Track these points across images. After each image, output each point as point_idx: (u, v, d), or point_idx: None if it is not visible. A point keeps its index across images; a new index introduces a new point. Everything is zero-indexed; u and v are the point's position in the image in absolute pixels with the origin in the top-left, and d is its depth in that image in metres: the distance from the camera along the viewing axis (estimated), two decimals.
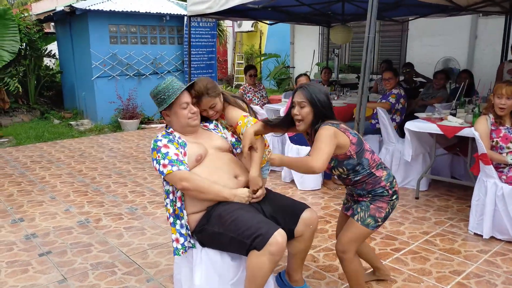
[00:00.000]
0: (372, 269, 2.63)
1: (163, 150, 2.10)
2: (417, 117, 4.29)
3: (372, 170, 2.11)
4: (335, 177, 2.31)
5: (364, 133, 4.82)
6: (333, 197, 4.22)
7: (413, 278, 2.66)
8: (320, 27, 9.25)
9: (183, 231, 2.13)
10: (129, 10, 8.02)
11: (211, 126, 2.47)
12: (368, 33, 3.69)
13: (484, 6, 5.30)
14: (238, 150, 2.45)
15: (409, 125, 4.01)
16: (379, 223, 2.15)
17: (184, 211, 2.14)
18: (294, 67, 10.73)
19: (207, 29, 9.25)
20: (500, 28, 6.02)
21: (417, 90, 6.48)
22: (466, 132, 3.55)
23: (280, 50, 12.22)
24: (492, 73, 6.17)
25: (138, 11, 8.12)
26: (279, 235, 1.91)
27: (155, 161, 2.12)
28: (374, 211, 2.12)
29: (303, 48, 10.37)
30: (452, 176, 4.60)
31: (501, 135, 3.25)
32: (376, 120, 4.82)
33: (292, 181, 4.62)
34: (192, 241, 2.16)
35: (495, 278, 2.65)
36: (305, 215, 2.17)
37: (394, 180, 2.18)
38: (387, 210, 2.14)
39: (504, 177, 3.15)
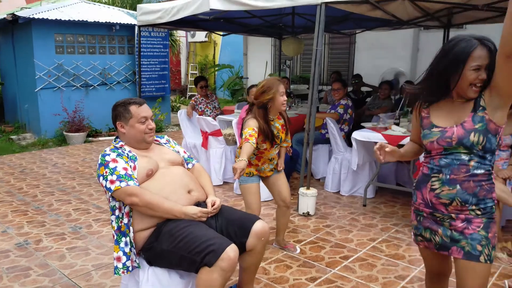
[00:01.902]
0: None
1: (111, 165, 2.03)
2: (363, 127, 4.45)
3: (491, 170, 1.62)
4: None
5: (314, 143, 4.95)
6: None
7: (361, 286, 2.72)
8: (272, 38, 9.40)
9: (127, 249, 2.05)
10: (76, 19, 7.75)
11: (163, 140, 2.43)
12: (316, 45, 3.79)
13: (424, 21, 5.61)
14: (190, 166, 2.42)
15: (356, 135, 4.14)
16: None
17: (131, 228, 2.07)
18: (247, 78, 10.80)
19: (159, 39, 9.13)
20: (440, 41, 6.39)
21: (365, 100, 6.73)
22: (408, 140, 3.71)
23: (234, 61, 12.28)
24: None
25: (86, 20, 7.87)
26: (231, 250, 1.89)
27: (101, 177, 2.03)
28: (493, 239, 1.62)
29: (256, 59, 10.48)
30: (397, 183, 4.79)
31: None
32: (326, 130, 4.94)
33: None
34: (137, 261, 2.08)
35: None
36: (256, 227, 2.17)
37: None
38: (496, 232, 1.69)
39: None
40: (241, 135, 2.91)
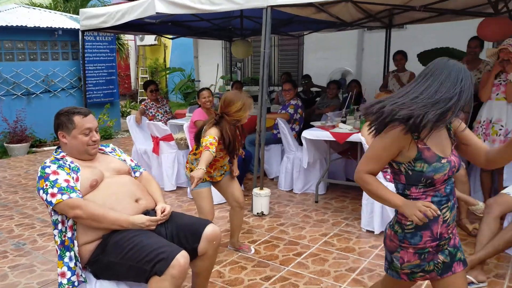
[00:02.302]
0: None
1: (52, 177, 1.95)
2: (312, 126, 4.56)
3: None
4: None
5: (267, 143, 5.02)
6: None
7: (313, 280, 2.79)
8: (223, 41, 9.42)
9: (72, 264, 1.98)
10: (14, 25, 7.36)
11: (108, 149, 2.36)
12: (263, 48, 3.85)
13: (367, 22, 5.85)
14: (137, 174, 2.38)
15: (305, 134, 4.24)
16: None
17: (75, 242, 2.00)
18: (199, 81, 10.74)
19: (105, 43, 8.87)
20: (383, 41, 6.68)
21: (315, 100, 6.90)
22: (355, 137, 3.86)
23: (186, 64, 12.17)
24: (378, 82, 6.80)
25: (26, 26, 7.49)
26: (182, 257, 1.88)
27: (41, 191, 1.95)
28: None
29: (207, 62, 10.45)
30: (347, 178, 4.96)
31: None
32: (278, 130, 5.02)
33: None
34: (83, 275, 2.01)
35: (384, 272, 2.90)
36: (208, 231, 2.16)
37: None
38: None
39: (388, 176, 3.47)
40: (197, 139, 2.92)
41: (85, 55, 8.10)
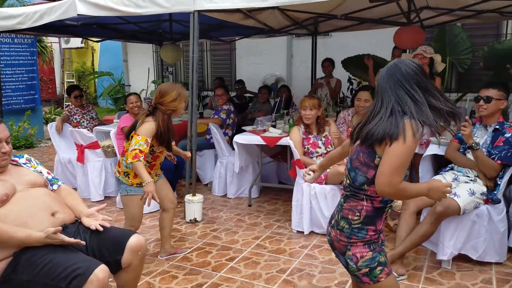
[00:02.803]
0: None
1: None
2: (244, 131, 4.61)
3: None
4: None
5: (200, 148, 4.98)
6: None
7: (245, 285, 2.81)
8: (153, 45, 9.20)
9: None
10: None
11: (22, 160, 2.20)
12: (192, 53, 3.82)
13: (294, 29, 6.04)
14: (55, 187, 2.24)
15: (237, 138, 4.27)
16: (389, 271, 1.79)
17: None
18: (129, 85, 10.40)
19: (25, 46, 8.27)
20: (309, 47, 6.94)
21: (248, 105, 6.98)
22: (284, 141, 3.96)
23: (115, 68, 11.72)
24: (307, 87, 7.05)
25: None
26: (100, 271, 1.80)
27: None
28: (375, 264, 1.76)
29: (138, 66, 10.15)
30: (279, 181, 5.07)
31: (311, 142, 3.72)
32: (210, 135, 5.00)
33: None
34: None
35: (313, 270, 3.00)
36: (132, 242, 2.09)
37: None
38: (383, 259, 1.79)
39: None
40: (128, 137, 2.85)
41: (1, 58, 7.51)
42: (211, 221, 4.02)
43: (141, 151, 2.66)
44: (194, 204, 3.97)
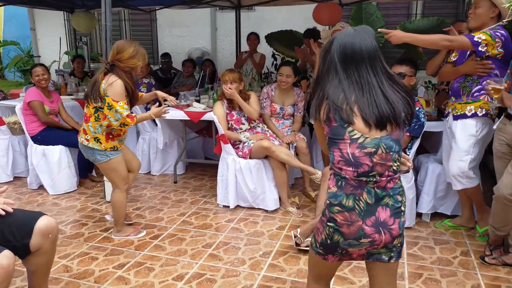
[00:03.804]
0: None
1: None
2: (168, 105, 4.45)
3: (331, 171, 1.56)
4: None
5: None
6: (90, 196, 3.98)
7: (170, 261, 2.77)
8: (64, 12, 8.44)
9: None
10: None
11: None
12: (105, 21, 3.56)
13: (216, 0, 5.90)
14: None
15: None
16: (320, 251, 1.59)
17: None
18: (39, 56, 9.49)
19: None
20: (233, 21, 6.84)
21: (173, 80, 6.74)
22: (208, 116, 3.90)
23: (23, 37, 10.62)
24: (232, 61, 6.98)
25: None
26: (4, 257, 1.66)
27: None
28: (316, 231, 1.62)
29: (48, 35, 9.27)
30: (205, 157, 5.02)
31: (234, 118, 3.71)
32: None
33: (41, 186, 4.11)
34: None
35: (239, 242, 3.04)
36: (40, 224, 1.94)
37: (339, 208, 1.50)
38: (323, 237, 1.55)
39: (240, 153, 3.62)
40: (87, 100, 2.84)
41: None
42: (134, 200, 3.89)
43: (128, 115, 2.78)
44: None
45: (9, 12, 12.50)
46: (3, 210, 1.91)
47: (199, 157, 5.01)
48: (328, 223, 1.52)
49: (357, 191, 1.48)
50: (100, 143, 2.86)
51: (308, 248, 2.80)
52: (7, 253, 1.69)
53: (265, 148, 3.47)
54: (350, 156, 1.48)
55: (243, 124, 3.74)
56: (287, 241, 3.04)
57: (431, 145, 3.80)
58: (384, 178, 1.49)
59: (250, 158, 3.58)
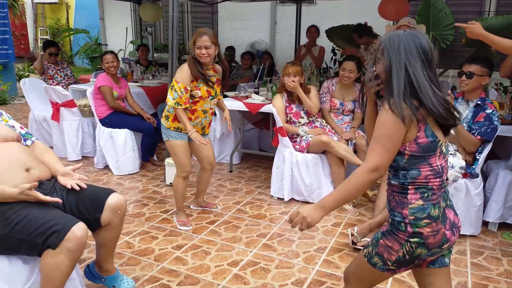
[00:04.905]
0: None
1: None
2: (226, 96, 4.54)
3: (411, 186, 1.47)
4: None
5: None
6: (151, 179, 4.15)
7: (225, 247, 2.84)
8: (131, 3, 8.83)
9: None
10: None
11: None
12: (172, 11, 3.67)
13: None
14: (28, 143, 2.16)
15: None
16: (391, 268, 1.51)
17: None
18: (107, 45, 9.99)
19: None
20: (294, 15, 6.80)
21: (232, 72, 6.85)
22: (266, 108, 3.92)
23: (92, 26, 11.23)
24: (290, 55, 6.97)
25: None
26: (78, 229, 1.77)
27: None
28: (383, 249, 1.51)
29: (115, 25, 9.74)
30: (260, 148, 5.07)
31: (293, 111, 3.70)
32: None
33: (107, 167, 4.35)
34: None
35: (293, 235, 3.05)
36: (111, 200, 2.06)
37: (428, 221, 1.44)
38: (401, 254, 1.47)
39: (297, 146, 3.61)
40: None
41: None
42: (192, 185, 4.00)
43: (180, 97, 2.88)
44: (174, 168, 3.92)
45: (80, 2, 13.28)
46: (78, 185, 2.05)
47: (254, 148, 5.05)
48: (411, 239, 1.45)
49: (439, 198, 1.48)
50: (167, 121, 2.99)
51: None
52: (81, 225, 1.80)
53: (324, 143, 3.44)
54: (440, 168, 1.47)
55: (302, 117, 3.73)
56: (342, 238, 3.01)
57: (502, 150, 3.58)
58: (447, 181, 1.53)
59: (307, 152, 3.56)
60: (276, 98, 3.74)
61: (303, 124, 3.73)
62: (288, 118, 3.72)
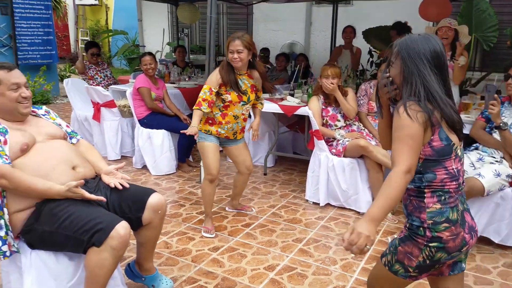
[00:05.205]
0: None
1: None
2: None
3: (427, 190, 1.48)
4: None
5: None
6: (187, 180, 4.21)
7: (261, 251, 2.84)
8: (168, 5, 9.00)
9: (2, 233, 1.83)
10: None
11: (41, 111, 2.18)
12: (210, 13, 3.71)
13: None
14: (74, 141, 2.23)
15: None
16: (412, 275, 1.51)
17: (5, 209, 1.85)
18: (144, 46, 10.25)
19: None
20: (330, 16, 6.73)
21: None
22: (302, 110, 3.89)
23: (130, 27, 11.54)
24: (325, 57, 6.90)
25: None
26: (122, 228, 1.81)
27: None
28: (403, 256, 1.50)
29: (153, 26, 9.97)
30: (294, 152, 5.04)
31: (330, 114, 3.66)
32: None
33: (145, 167, 4.45)
34: (16, 245, 1.88)
35: (329, 241, 3.01)
36: (152, 200, 2.10)
37: (447, 225, 1.44)
38: (421, 259, 1.47)
39: (333, 150, 3.57)
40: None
41: (16, 10, 7.39)
42: (227, 187, 4.04)
43: (204, 99, 2.86)
44: None
45: (119, 4, 13.67)
46: (121, 185, 2.10)
47: (288, 151, 5.03)
48: (430, 244, 1.45)
49: (456, 201, 1.48)
50: (200, 123, 2.98)
51: None
52: (124, 224, 1.85)
53: (361, 147, 3.38)
54: (455, 171, 1.48)
55: (339, 121, 3.68)
56: (381, 246, 2.94)
57: None
58: (463, 184, 1.53)
59: (344, 156, 3.51)
60: (312, 101, 3.71)
61: (340, 128, 3.67)
62: (324, 121, 3.67)
